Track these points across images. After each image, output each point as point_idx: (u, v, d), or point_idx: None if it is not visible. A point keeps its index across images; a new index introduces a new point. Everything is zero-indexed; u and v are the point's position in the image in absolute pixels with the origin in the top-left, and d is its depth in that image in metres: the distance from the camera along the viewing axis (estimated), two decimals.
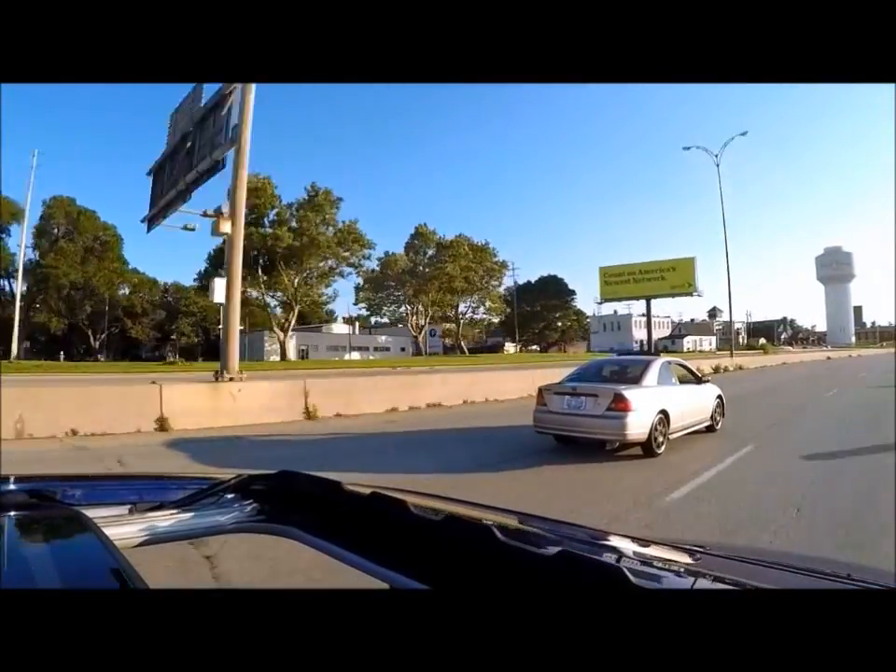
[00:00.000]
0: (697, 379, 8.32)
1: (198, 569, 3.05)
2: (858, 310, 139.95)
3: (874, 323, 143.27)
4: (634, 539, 1.03)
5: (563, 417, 6.84)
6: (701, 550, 0.96)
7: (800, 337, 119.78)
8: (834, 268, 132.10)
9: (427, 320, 64.56)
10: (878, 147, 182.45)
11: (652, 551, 0.95)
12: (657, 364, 7.47)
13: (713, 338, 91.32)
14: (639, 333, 76.93)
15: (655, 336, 79.48)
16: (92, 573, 0.68)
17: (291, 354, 54.95)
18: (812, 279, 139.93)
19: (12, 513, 0.88)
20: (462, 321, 68.42)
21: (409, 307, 65.40)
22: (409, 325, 65.37)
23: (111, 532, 0.82)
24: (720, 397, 8.52)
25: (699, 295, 56.52)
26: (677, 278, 53.77)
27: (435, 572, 0.73)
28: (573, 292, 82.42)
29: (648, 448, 6.60)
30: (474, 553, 0.70)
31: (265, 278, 49.92)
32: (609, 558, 0.84)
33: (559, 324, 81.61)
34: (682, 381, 8.02)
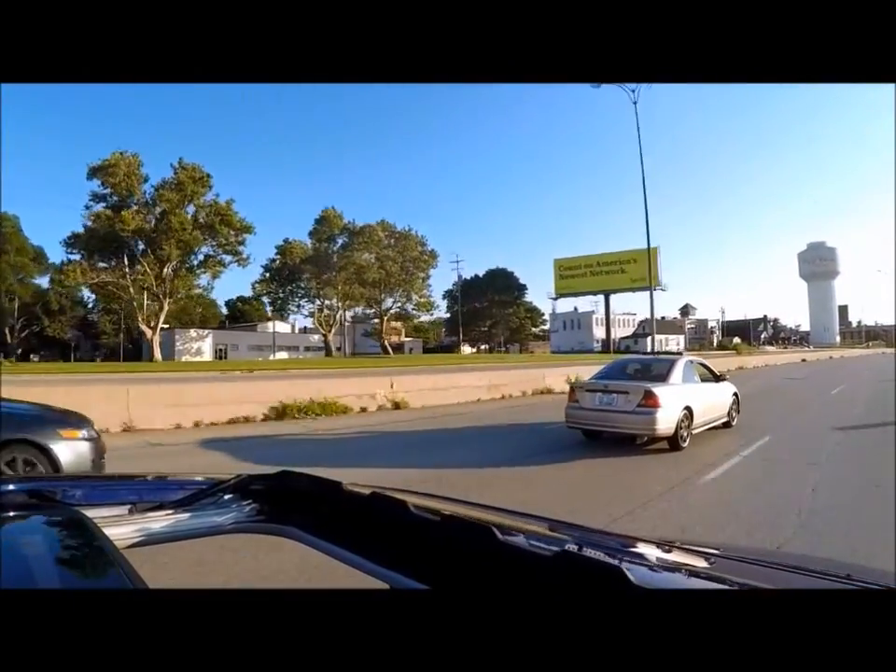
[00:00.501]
0: (716, 377, 8.59)
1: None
2: (843, 309, 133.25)
3: (860, 322, 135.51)
4: (633, 539, 1.03)
5: (595, 413, 7.18)
6: (700, 550, 0.96)
7: (781, 336, 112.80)
8: (818, 264, 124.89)
9: (339, 316, 55.53)
10: (872, 145, 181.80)
11: (652, 551, 0.95)
12: (681, 363, 7.86)
13: (681, 337, 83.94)
14: (602, 332, 70.45)
15: (619, 334, 73.26)
16: (92, 573, 0.68)
17: (207, 354, 49.15)
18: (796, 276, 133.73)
19: (12, 513, 0.88)
20: (386, 317, 57.89)
21: (318, 301, 56.00)
22: (316, 322, 55.47)
23: (111, 532, 0.82)
24: (735, 394, 8.83)
25: (662, 289, 49.69)
26: (638, 271, 48.93)
27: (435, 572, 0.73)
28: (524, 287, 74.26)
29: (674, 442, 6.92)
30: (474, 554, 0.70)
31: (138, 267, 42.54)
32: (608, 558, 0.84)
33: (509, 321, 72.48)
34: (703, 379, 8.33)
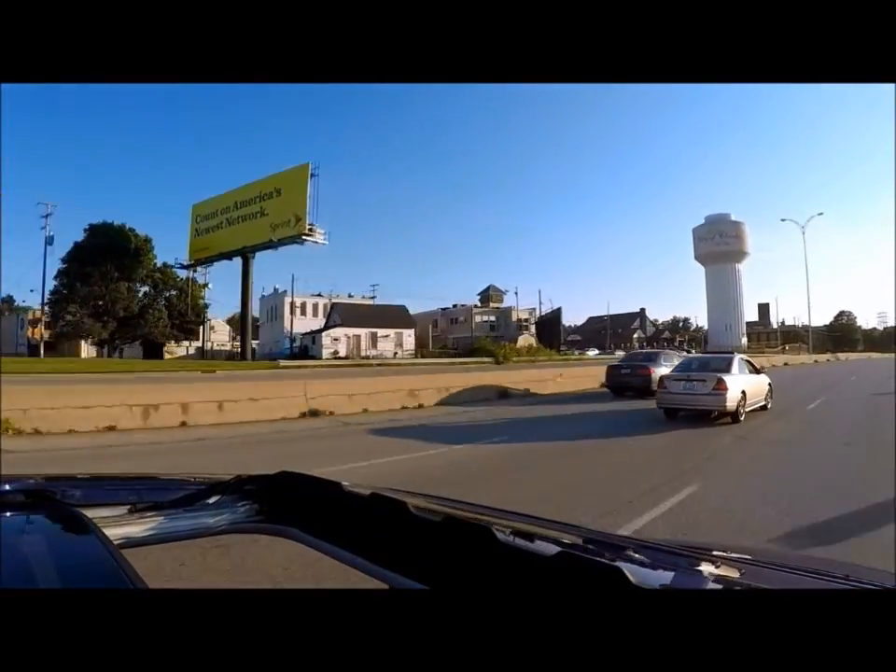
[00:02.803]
0: (756, 370, 11.22)
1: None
2: (765, 308, 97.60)
3: (782, 322, 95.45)
4: (632, 540, 1.03)
5: (681, 396, 9.85)
6: (699, 550, 0.96)
7: (664, 338, 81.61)
8: (717, 242, 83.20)
9: None
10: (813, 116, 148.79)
11: (652, 551, 0.95)
12: (737, 358, 10.81)
13: (408, 332, 52.06)
14: (309, 323, 48.60)
15: (308, 327, 47.06)
16: (92, 573, 0.68)
17: None
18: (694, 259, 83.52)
19: (12, 513, 0.88)
20: None
21: None
22: None
23: (111, 532, 0.82)
24: (770, 384, 11.45)
25: (314, 240, 31.78)
26: (280, 209, 31.71)
27: (434, 573, 0.73)
28: (144, 250, 41.82)
29: (735, 416, 9.43)
30: (473, 554, 0.70)
31: None
32: (608, 559, 0.84)
33: (119, 305, 40.55)
34: (749, 371, 10.96)
